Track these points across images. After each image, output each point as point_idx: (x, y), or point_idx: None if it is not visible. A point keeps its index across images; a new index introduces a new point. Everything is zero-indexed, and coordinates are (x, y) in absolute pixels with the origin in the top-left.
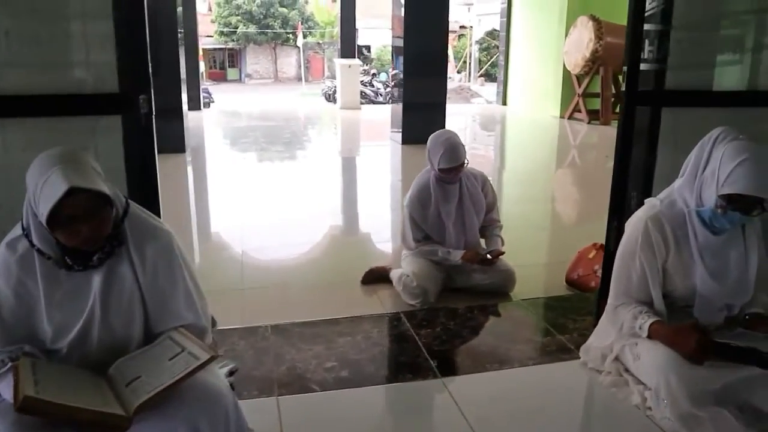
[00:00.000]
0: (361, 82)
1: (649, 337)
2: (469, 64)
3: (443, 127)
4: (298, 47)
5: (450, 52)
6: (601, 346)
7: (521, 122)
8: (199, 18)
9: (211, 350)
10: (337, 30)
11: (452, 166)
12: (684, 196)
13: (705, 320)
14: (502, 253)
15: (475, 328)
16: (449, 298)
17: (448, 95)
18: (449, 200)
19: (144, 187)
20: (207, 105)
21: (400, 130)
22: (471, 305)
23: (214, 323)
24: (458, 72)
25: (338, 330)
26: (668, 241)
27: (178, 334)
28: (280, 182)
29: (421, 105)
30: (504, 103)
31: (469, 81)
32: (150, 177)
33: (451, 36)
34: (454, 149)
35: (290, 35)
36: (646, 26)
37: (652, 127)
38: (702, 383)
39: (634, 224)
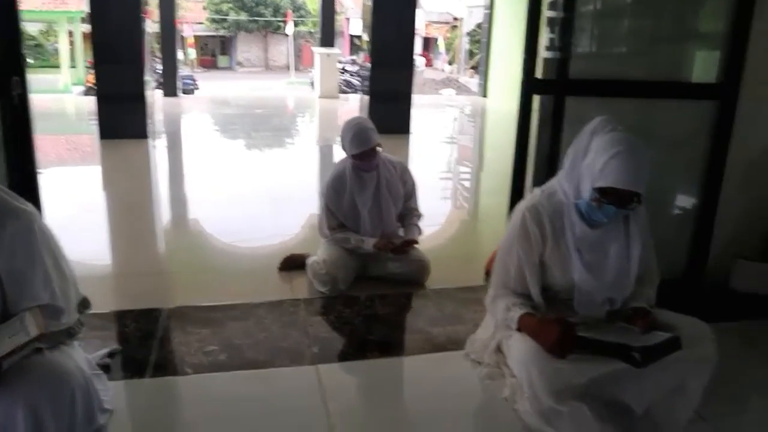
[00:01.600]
0: (348, 71)
1: (519, 329)
2: (459, 56)
3: (408, 117)
4: (288, 36)
5: (441, 43)
6: (484, 337)
7: (497, 114)
8: (191, 5)
9: (39, 328)
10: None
11: (363, 150)
12: (564, 188)
13: (586, 314)
14: (415, 242)
15: (370, 317)
16: (363, 286)
17: (436, 86)
18: (365, 188)
19: (22, 168)
20: (191, 92)
21: None
22: (373, 294)
23: (86, 305)
24: (450, 63)
25: (233, 315)
26: (546, 233)
27: (29, 314)
28: (244, 169)
29: (387, 95)
30: (485, 95)
31: (458, 73)
32: (27, 158)
33: (443, 27)
34: (363, 133)
35: (281, 23)
36: (550, 13)
37: (555, 115)
38: (566, 378)
39: (513, 215)
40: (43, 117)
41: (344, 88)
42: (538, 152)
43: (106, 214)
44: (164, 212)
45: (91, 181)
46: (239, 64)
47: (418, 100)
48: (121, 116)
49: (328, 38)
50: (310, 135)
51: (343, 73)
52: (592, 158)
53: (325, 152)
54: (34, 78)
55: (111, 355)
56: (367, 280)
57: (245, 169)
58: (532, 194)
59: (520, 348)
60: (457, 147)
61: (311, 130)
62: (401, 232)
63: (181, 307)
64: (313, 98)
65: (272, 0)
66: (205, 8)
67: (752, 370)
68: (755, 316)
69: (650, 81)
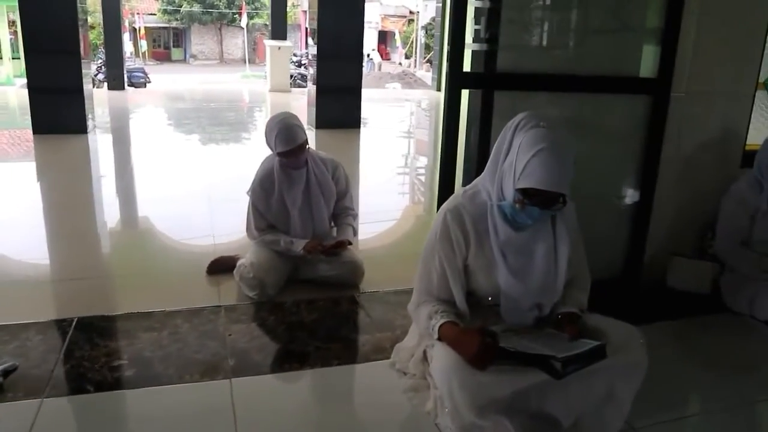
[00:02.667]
0: (304, 64)
1: (440, 339)
2: (416, 49)
3: (358, 111)
4: (243, 28)
5: (398, 36)
6: (409, 346)
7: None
8: None
9: None
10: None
11: (289, 149)
12: (487, 188)
13: (513, 321)
14: (349, 243)
15: (294, 325)
16: (293, 290)
17: (392, 80)
18: (294, 187)
19: None
20: (143, 85)
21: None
22: (300, 299)
23: None
24: (406, 57)
25: (147, 324)
26: (468, 236)
27: None
28: (188, 166)
29: (335, 89)
30: (438, 89)
31: (415, 67)
32: None
33: (400, 20)
34: (288, 130)
35: (236, 15)
36: (477, 3)
37: (484, 111)
38: (488, 391)
39: (436, 217)
40: None
41: (299, 81)
42: (467, 150)
43: (31, 213)
44: (96, 212)
45: (20, 178)
46: (193, 56)
47: (374, 94)
48: (56, 110)
49: (279, 31)
50: (259, 130)
51: (299, 66)
52: (514, 157)
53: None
54: None
55: (6, 373)
56: (298, 284)
57: (188, 166)
58: (454, 195)
59: (440, 359)
60: (413, 141)
61: (260, 125)
62: (336, 232)
63: (92, 317)
64: (265, 92)
65: None
66: None
67: (687, 373)
68: (691, 314)
69: (583, 75)
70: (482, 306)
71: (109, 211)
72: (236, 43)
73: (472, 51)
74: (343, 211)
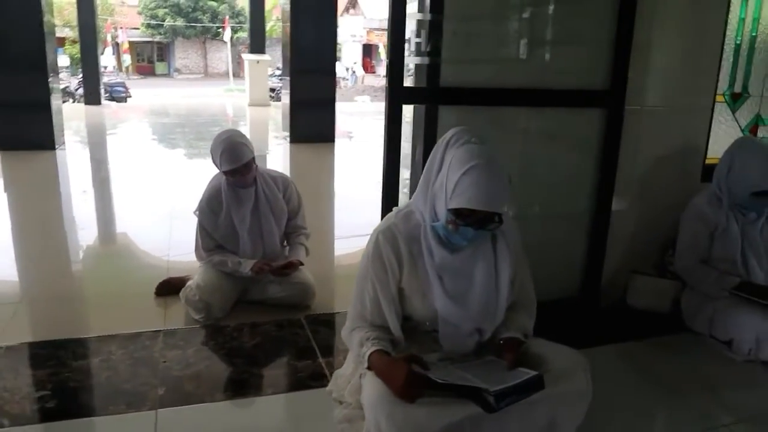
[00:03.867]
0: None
1: (369, 368)
2: None
3: (332, 125)
4: (227, 42)
5: (382, 49)
6: (347, 373)
7: None
8: (125, 9)
9: None
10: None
11: (235, 167)
12: (420, 208)
13: (452, 347)
14: (299, 264)
15: (234, 350)
16: (243, 312)
17: (375, 93)
18: (242, 206)
19: None
20: (123, 100)
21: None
22: (243, 323)
23: None
24: None
25: (80, 351)
26: (402, 258)
27: None
28: (158, 182)
29: (308, 102)
30: None
31: None
32: None
33: (384, 34)
34: (234, 149)
35: (220, 30)
36: (418, 15)
37: (428, 127)
38: (417, 424)
39: (369, 238)
40: None
41: (282, 95)
42: (413, 167)
43: None
44: (49, 231)
45: None
46: (177, 71)
47: (357, 107)
48: (21, 125)
49: (258, 45)
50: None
51: (281, 80)
52: (445, 175)
53: (259, 162)
54: None
55: None
56: (248, 306)
57: (154, 182)
58: (388, 216)
59: (368, 389)
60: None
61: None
62: (287, 252)
63: (22, 344)
64: (244, 106)
65: (210, 6)
66: (140, 13)
67: (642, 398)
68: (649, 335)
69: (532, 89)
70: (420, 331)
71: (63, 230)
72: (220, 57)
73: (416, 65)
74: (294, 230)
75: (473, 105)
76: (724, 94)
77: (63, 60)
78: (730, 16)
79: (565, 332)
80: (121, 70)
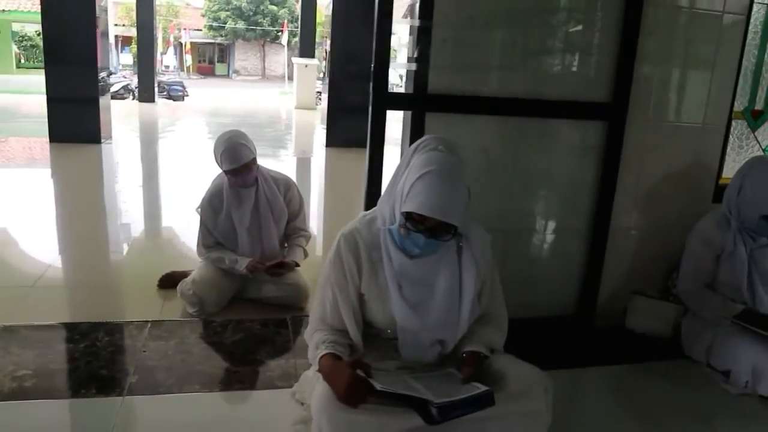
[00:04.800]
0: None
1: (320, 371)
2: None
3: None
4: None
5: None
6: (311, 375)
7: None
8: (189, 11)
9: None
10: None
11: (235, 167)
12: (383, 212)
13: (412, 356)
14: (296, 265)
15: (213, 345)
16: (238, 308)
17: None
18: (242, 206)
19: None
20: (180, 98)
21: None
22: (230, 319)
23: None
24: None
25: (69, 336)
26: (362, 263)
27: None
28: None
29: (346, 108)
30: None
31: None
32: None
33: None
34: (234, 149)
35: (279, 33)
36: (405, 22)
37: (415, 134)
38: (358, 431)
39: (334, 243)
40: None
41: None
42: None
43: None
44: (86, 219)
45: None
46: (236, 72)
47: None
48: (72, 119)
49: (307, 48)
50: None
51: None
52: (404, 179)
53: (302, 164)
54: (28, 79)
55: None
56: (243, 303)
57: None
58: (353, 220)
59: (316, 392)
60: None
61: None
62: (286, 253)
63: (19, 325)
64: (291, 109)
65: (270, 9)
66: (203, 15)
67: (616, 425)
68: (644, 359)
69: (527, 98)
70: (382, 339)
71: (95, 219)
72: (278, 60)
73: (408, 71)
74: (294, 231)
75: (461, 113)
76: (743, 112)
77: (126, 58)
78: (750, 27)
79: (556, 350)
80: (182, 70)
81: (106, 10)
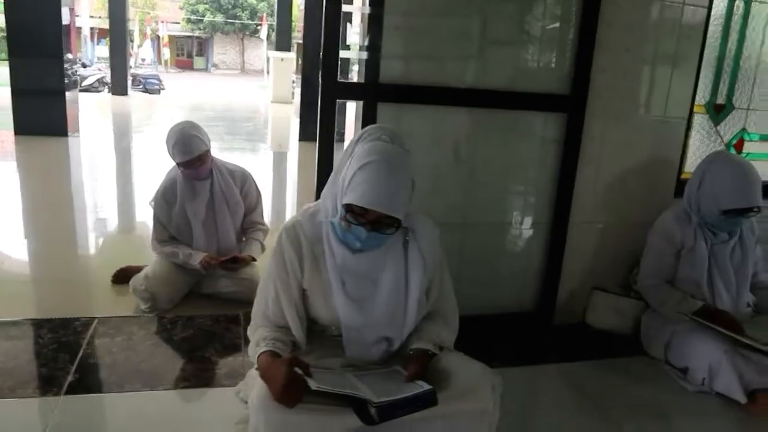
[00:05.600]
0: None
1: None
2: None
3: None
4: (263, 40)
5: None
6: (255, 373)
7: None
8: (167, 3)
9: None
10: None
11: (187, 159)
12: (326, 204)
13: (357, 354)
14: (252, 260)
15: (162, 342)
16: (193, 304)
17: None
18: (197, 198)
19: None
20: (156, 92)
21: None
22: (180, 315)
23: None
24: None
25: (13, 332)
26: (303, 257)
27: None
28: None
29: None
30: None
31: None
32: None
33: None
34: (186, 141)
35: (258, 27)
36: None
37: (366, 124)
38: (297, 431)
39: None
40: None
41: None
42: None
43: None
44: (51, 213)
45: None
46: (215, 66)
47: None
48: (37, 112)
49: (284, 42)
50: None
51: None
52: (345, 169)
53: (278, 158)
54: None
55: None
56: (199, 299)
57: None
58: (297, 213)
59: (253, 392)
60: None
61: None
62: (243, 247)
63: None
64: (267, 103)
65: (249, 3)
66: (181, 8)
67: (569, 422)
68: (602, 356)
69: (482, 89)
70: (327, 336)
71: (53, 213)
72: (257, 54)
73: (359, 59)
74: (251, 225)
75: (415, 104)
76: (705, 105)
77: (102, 51)
78: (711, 19)
79: (514, 347)
80: (160, 64)
81: (72, 1)
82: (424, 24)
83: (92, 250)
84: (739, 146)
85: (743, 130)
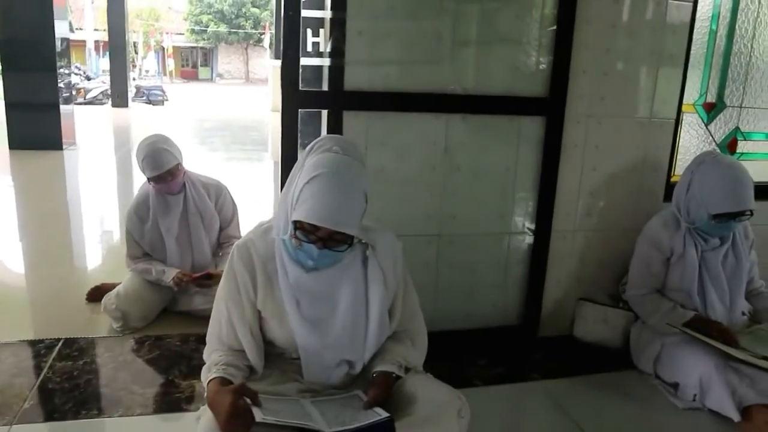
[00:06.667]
0: None
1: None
2: None
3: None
4: (267, 48)
5: None
6: None
7: None
8: (171, 15)
9: None
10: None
11: (157, 174)
12: (278, 221)
13: (316, 378)
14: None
15: (125, 364)
16: (167, 323)
17: None
18: (170, 213)
19: None
20: (160, 103)
21: None
22: (149, 335)
23: None
24: None
25: None
26: (256, 276)
27: None
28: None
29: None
30: None
31: None
32: None
33: None
34: (156, 155)
35: (262, 36)
36: (310, 13)
37: (333, 133)
38: None
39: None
40: None
41: None
42: None
43: None
44: (34, 231)
45: None
46: (220, 75)
47: None
48: (31, 125)
49: None
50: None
51: None
52: (295, 183)
53: (278, 169)
54: None
55: None
56: (173, 316)
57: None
58: (250, 230)
59: (201, 421)
60: None
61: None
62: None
63: None
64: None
65: (252, 12)
66: (185, 19)
67: None
68: (590, 371)
69: (455, 94)
70: (286, 359)
71: (40, 229)
72: (262, 63)
73: (326, 66)
74: (227, 240)
75: (383, 111)
76: (695, 104)
77: (107, 63)
78: (699, 14)
79: (496, 363)
80: (164, 75)
81: (66, 15)
82: (389, 27)
83: (70, 268)
84: (732, 146)
85: (736, 129)
